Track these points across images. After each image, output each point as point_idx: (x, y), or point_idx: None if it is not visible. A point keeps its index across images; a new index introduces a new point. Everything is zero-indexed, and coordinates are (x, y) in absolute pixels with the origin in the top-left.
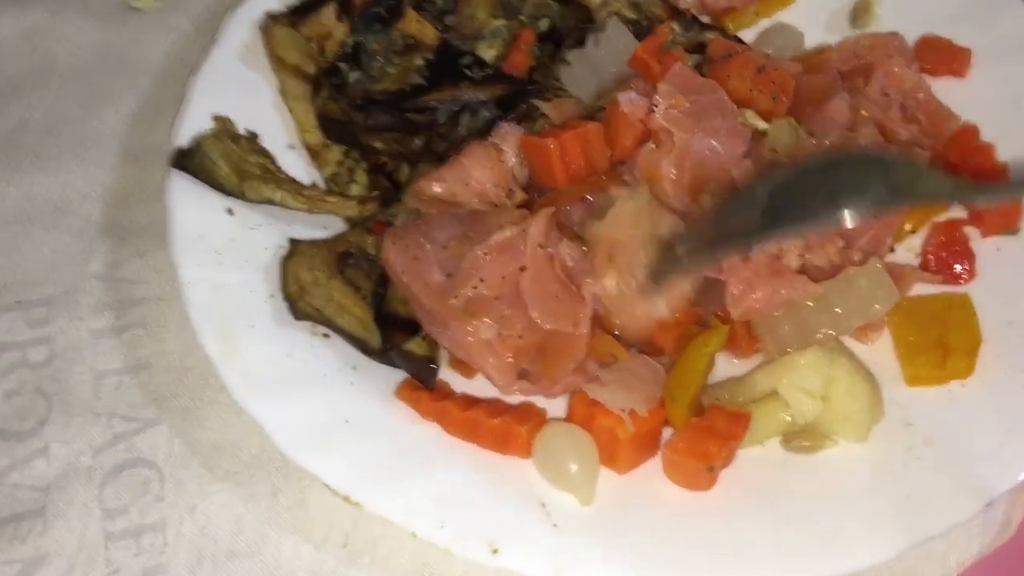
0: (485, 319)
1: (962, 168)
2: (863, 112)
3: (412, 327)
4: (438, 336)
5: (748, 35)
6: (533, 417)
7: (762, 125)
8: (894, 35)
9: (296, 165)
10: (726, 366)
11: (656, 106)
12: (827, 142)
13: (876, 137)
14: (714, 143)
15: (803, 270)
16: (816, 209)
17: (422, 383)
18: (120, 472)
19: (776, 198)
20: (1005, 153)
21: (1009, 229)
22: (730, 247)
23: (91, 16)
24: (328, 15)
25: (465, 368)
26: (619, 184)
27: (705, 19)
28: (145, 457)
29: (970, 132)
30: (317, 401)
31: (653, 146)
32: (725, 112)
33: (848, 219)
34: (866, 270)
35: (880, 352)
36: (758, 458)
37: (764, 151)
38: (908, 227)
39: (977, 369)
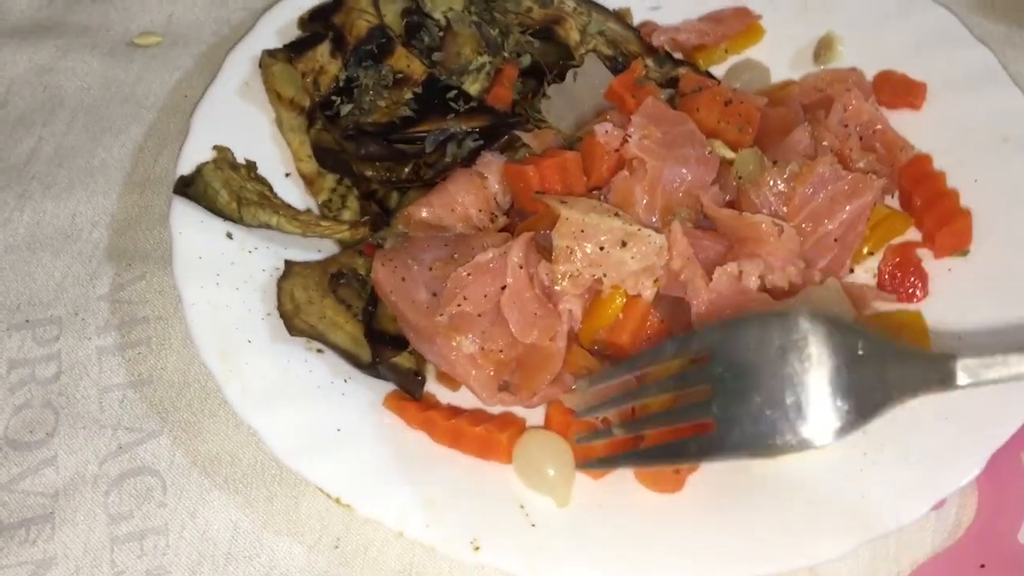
0: (468, 335)
1: (914, 194)
2: (824, 142)
3: (400, 343)
4: (424, 351)
5: (718, 71)
6: (513, 425)
7: (729, 154)
8: (853, 70)
9: (292, 192)
10: None
11: (630, 136)
12: (788, 169)
13: (835, 164)
14: (684, 171)
15: (763, 290)
16: (779, 426)
17: (409, 394)
18: (124, 480)
19: (722, 397)
20: (955, 181)
21: (960, 250)
22: (667, 459)
23: (99, 54)
24: (323, 52)
25: (450, 381)
26: None
27: (677, 55)
28: (148, 466)
29: (923, 160)
30: (311, 411)
31: (627, 173)
32: (695, 142)
33: (819, 440)
34: (825, 288)
35: None
36: (723, 463)
37: (731, 179)
38: (865, 249)
39: None
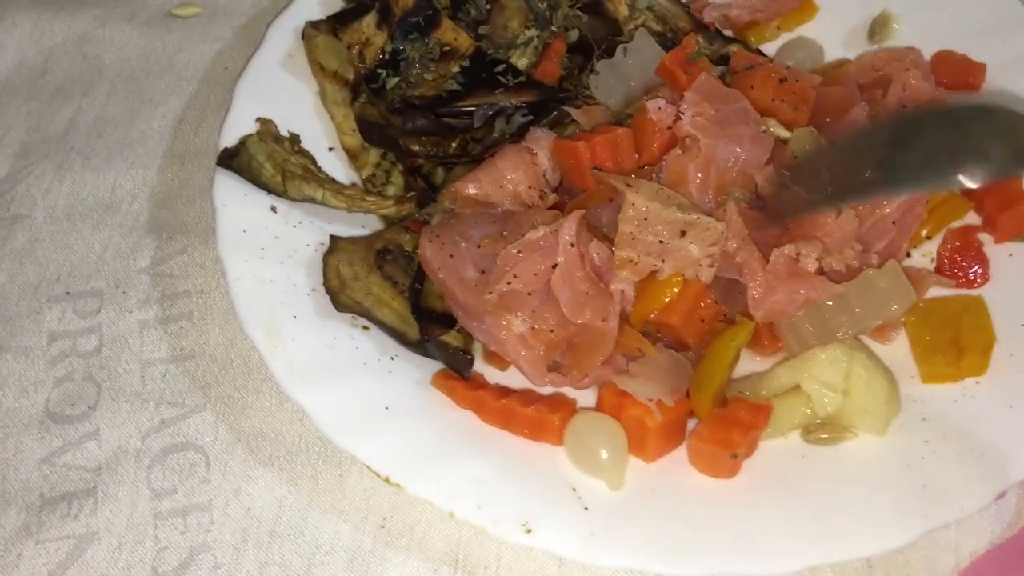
0: (518, 314)
1: None
2: None
3: (448, 321)
4: (473, 330)
5: (770, 48)
6: (564, 406)
7: (784, 133)
8: (911, 49)
9: (335, 167)
10: (748, 364)
11: (683, 113)
12: None
13: None
14: (738, 149)
15: (820, 273)
16: (937, 169)
17: (458, 372)
18: (167, 455)
19: (896, 148)
20: None
21: (1021, 235)
22: (847, 196)
23: (137, 24)
24: (368, 23)
25: (499, 361)
26: None
27: (728, 32)
28: (192, 441)
29: None
30: (358, 389)
31: (680, 152)
32: (748, 120)
33: (969, 182)
34: (885, 272)
35: (897, 351)
36: (780, 449)
37: (786, 158)
38: (924, 233)
39: (990, 367)
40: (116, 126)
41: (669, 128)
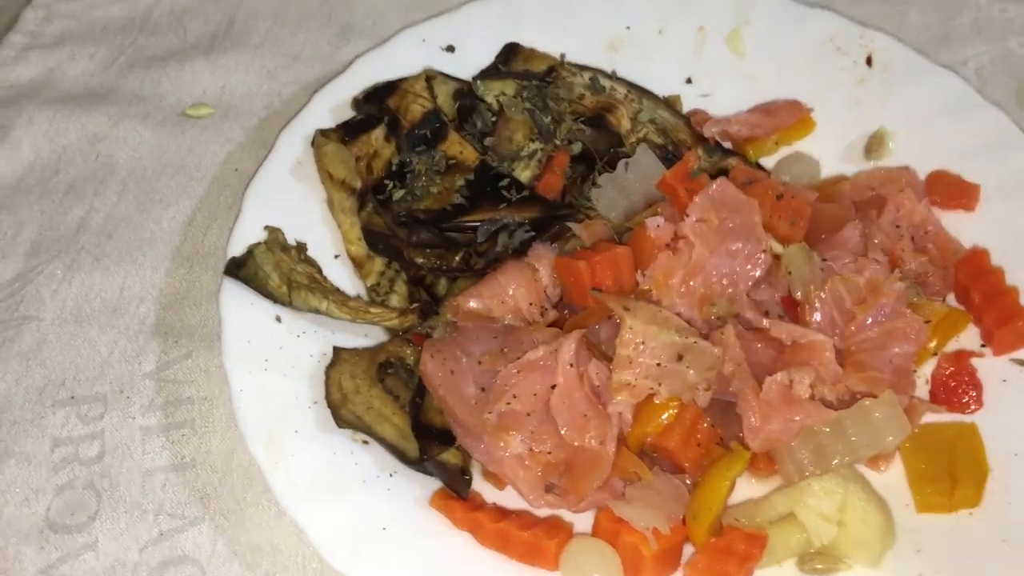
0: (516, 434)
1: (972, 289)
2: (875, 240)
3: (447, 437)
4: (471, 448)
5: (768, 162)
6: (561, 531)
7: (778, 248)
8: (905, 169)
9: (341, 274)
10: (745, 486)
11: (687, 216)
12: (835, 266)
13: (885, 266)
14: (731, 264)
15: (813, 399)
16: None
17: (456, 493)
18: (165, 569)
19: None
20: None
21: (1021, 345)
22: None
23: (150, 124)
24: (377, 136)
25: (496, 479)
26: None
27: (727, 144)
28: (189, 555)
29: (981, 255)
30: (356, 508)
31: (671, 253)
32: (751, 237)
33: None
34: (881, 403)
35: (893, 477)
36: None
37: (779, 274)
38: (932, 346)
39: (985, 499)
40: (127, 226)
41: (668, 246)
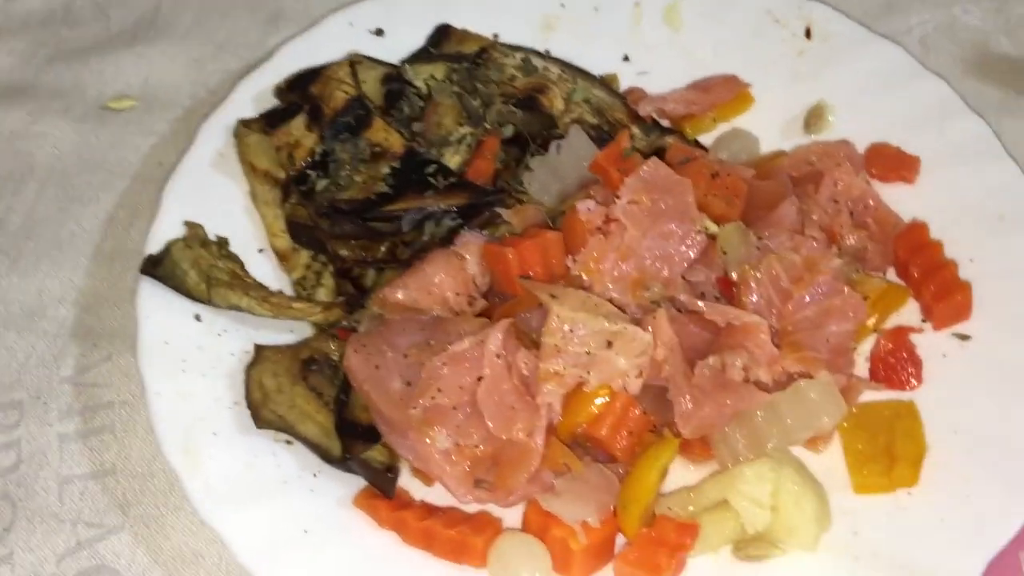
0: (442, 429)
1: (911, 264)
2: (812, 217)
3: (373, 435)
4: (397, 445)
5: (707, 139)
6: (489, 527)
7: (713, 228)
8: (844, 143)
9: (265, 268)
10: (680, 472)
11: (618, 198)
12: (772, 245)
13: (823, 242)
14: (665, 245)
15: (747, 382)
16: None
17: (381, 492)
18: None
19: None
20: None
21: (960, 321)
22: None
23: (71, 119)
24: (298, 125)
25: (425, 476)
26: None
27: (665, 123)
28: (108, 565)
29: (920, 228)
30: (277, 511)
31: (602, 237)
32: (685, 218)
33: None
34: (816, 384)
35: (831, 459)
36: (710, 566)
37: (715, 254)
38: (871, 323)
39: (923, 478)
40: (46, 225)
41: (599, 229)
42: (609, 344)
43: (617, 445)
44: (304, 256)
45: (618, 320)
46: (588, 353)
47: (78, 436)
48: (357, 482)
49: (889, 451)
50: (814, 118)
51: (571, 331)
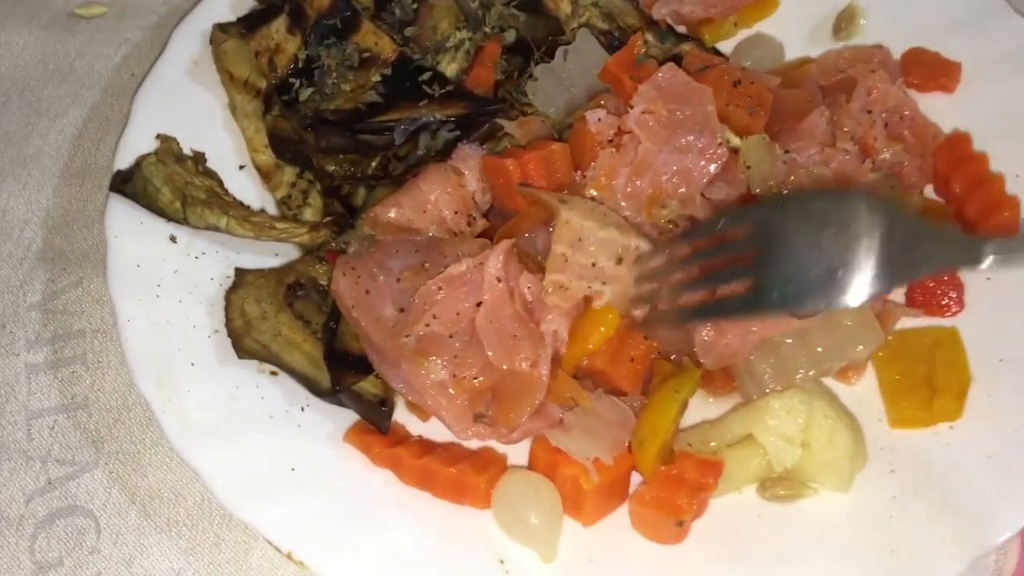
0: (438, 359)
1: (952, 179)
2: (844, 128)
3: (365, 365)
4: (389, 376)
5: (726, 46)
6: (492, 465)
7: (735, 141)
8: (878, 48)
9: (247, 186)
10: (701, 406)
11: (631, 107)
12: (800, 159)
13: (856, 156)
14: (683, 160)
15: None
16: (814, 287)
17: (375, 426)
18: (53, 521)
19: (767, 265)
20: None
21: (1008, 234)
22: (713, 315)
23: (36, 27)
24: (278, 28)
25: (422, 411)
26: None
27: (681, 29)
28: (81, 504)
29: (962, 140)
30: (262, 447)
31: (614, 150)
32: (705, 130)
33: (851, 301)
34: (850, 310)
35: (864, 388)
36: (733, 506)
37: (737, 170)
38: None
39: (966, 411)
40: (9, 142)
41: (611, 141)
42: (619, 260)
43: (621, 376)
44: (289, 173)
45: (629, 232)
46: (595, 264)
47: (47, 367)
48: (348, 417)
49: (929, 382)
50: (844, 22)
51: (580, 240)
